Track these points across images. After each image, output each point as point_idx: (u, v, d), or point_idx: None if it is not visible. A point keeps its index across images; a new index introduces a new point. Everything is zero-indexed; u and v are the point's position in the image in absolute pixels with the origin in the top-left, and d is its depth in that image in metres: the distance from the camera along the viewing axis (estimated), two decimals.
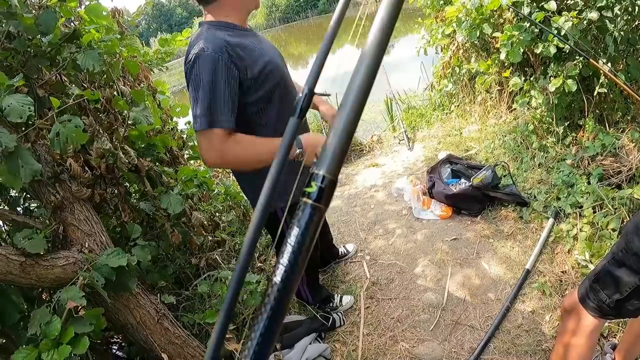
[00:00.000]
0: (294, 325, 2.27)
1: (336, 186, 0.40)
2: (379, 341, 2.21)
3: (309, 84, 0.50)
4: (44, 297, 1.75)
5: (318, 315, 2.30)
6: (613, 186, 2.56)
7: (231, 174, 4.13)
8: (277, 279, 0.37)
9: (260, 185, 0.51)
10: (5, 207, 1.79)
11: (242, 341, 1.95)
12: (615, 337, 1.90)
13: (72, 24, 1.89)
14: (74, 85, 1.87)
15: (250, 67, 1.50)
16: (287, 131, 0.47)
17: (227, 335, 1.93)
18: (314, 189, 0.38)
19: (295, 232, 0.38)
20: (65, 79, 1.87)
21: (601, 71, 2.31)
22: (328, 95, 0.58)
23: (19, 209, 1.85)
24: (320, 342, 2.24)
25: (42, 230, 1.56)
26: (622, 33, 2.63)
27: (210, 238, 2.57)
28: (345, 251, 2.93)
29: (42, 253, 1.48)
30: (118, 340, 2.10)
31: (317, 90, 0.52)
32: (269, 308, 0.37)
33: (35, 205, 1.83)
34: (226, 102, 1.43)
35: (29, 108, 1.27)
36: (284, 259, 0.38)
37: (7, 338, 1.59)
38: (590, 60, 2.01)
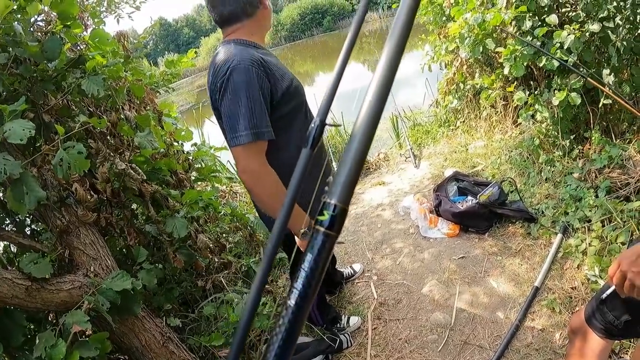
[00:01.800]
0: (301, 347, 2.24)
1: (347, 214, 0.41)
2: None
3: (320, 115, 0.51)
4: (50, 319, 1.75)
5: (325, 337, 2.27)
6: (621, 198, 2.52)
7: (238, 196, 4.13)
8: (292, 302, 0.39)
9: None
10: (13, 229, 1.80)
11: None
12: (626, 354, 1.85)
13: (77, 48, 1.92)
14: (79, 111, 1.89)
15: (279, 82, 1.53)
16: (300, 162, 0.48)
17: None
18: (326, 217, 0.40)
19: (308, 257, 0.40)
20: (72, 104, 1.90)
21: (605, 85, 2.30)
22: (339, 125, 0.59)
23: (26, 230, 1.87)
24: None
25: (48, 254, 1.57)
26: (624, 43, 2.61)
27: (216, 260, 2.56)
28: (352, 271, 2.90)
29: (47, 277, 1.49)
30: None
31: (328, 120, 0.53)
32: (284, 329, 0.39)
33: (42, 228, 1.85)
34: (264, 113, 1.45)
35: (30, 131, 1.29)
36: (298, 284, 0.40)
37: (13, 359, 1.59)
38: (588, 79, 2.00)
